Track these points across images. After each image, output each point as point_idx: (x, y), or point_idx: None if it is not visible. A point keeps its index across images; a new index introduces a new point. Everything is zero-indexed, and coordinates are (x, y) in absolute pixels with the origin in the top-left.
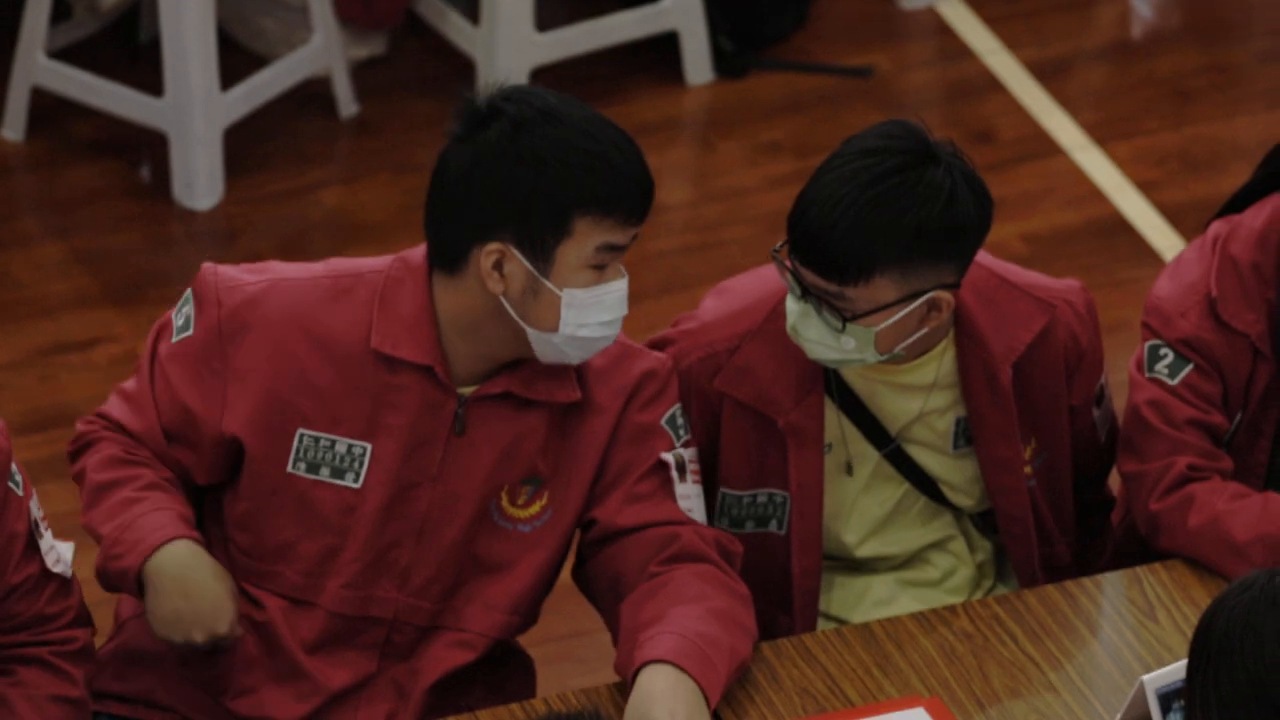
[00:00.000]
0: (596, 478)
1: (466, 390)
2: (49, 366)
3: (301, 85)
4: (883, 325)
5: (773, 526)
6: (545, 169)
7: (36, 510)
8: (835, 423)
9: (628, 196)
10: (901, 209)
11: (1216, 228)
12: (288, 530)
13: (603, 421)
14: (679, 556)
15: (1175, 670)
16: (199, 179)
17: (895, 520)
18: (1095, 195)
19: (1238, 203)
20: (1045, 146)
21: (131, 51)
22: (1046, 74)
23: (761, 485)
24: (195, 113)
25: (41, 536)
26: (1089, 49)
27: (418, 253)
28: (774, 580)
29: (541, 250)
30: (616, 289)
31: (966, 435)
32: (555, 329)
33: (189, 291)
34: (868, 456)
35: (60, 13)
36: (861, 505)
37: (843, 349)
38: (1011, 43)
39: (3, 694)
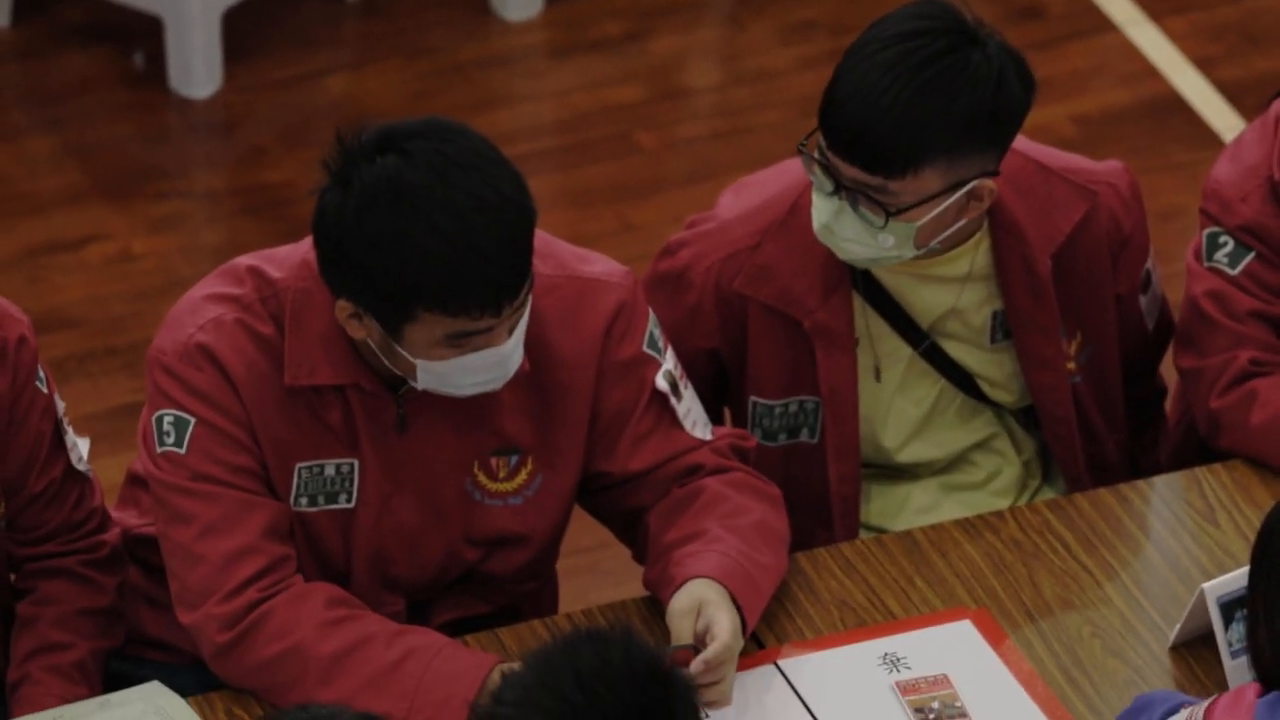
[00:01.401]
0: (591, 429)
1: (406, 386)
2: (39, 267)
3: None
4: (925, 219)
5: (804, 435)
6: (382, 256)
7: (60, 408)
8: (863, 321)
9: (473, 299)
10: (951, 95)
11: (1278, 106)
12: (306, 569)
13: (582, 374)
14: (705, 476)
15: (1237, 577)
16: (196, 66)
17: (933, 420)
18: (1149, 73)
19: None
20: (1096, 21)
21: None
22: None
23: (793, 393)
24: None
25: (66, 432)
26: None
27: None
28: (809, 491)
29: (390, 325)
30: (486, 358)
31: (1004, 329)
32: (415, 382)
33: (153, 388)
34: (899, 355)
35: None
36: (897, 406)
37: (880, 246)
38: None
39: (31, 614)
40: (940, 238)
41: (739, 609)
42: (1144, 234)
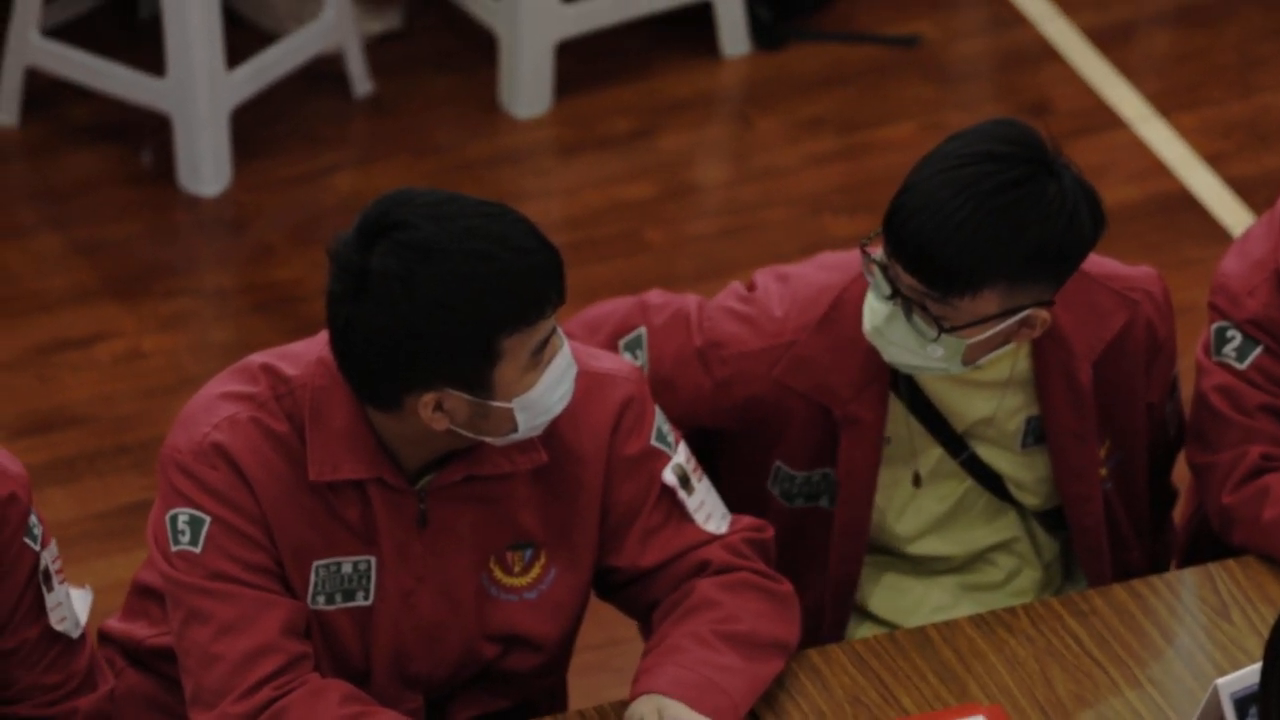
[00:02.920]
0: (602, 524)
1: (426, 479)
2: (48, 365)
3: (312, 63)
4: (976, 339)
5: (822, 502)
6: (451, 312)
7: (51, 560)
8: (903, 420)
9: (542, 294)
10: (1024, 224)
11: None
12: (324, 667)
13: (592, 468)
14: (709, 576)
15: (1251, 673)
16: (205, 164)
17: (957, 518)
18: (1159, 169)
19: None
20: (1105, 119)
21: (131, 29)
22: (1106, 41)
23: (817, 466)
24: (200, 93)
25: (52, 590)
26: (1151, 13)
27: None
28: (816, 553)
29: (479, 382)
30: (560, 363)
31: (1036, 434)
32: (515, 431)
33: (166, 487)
34: (930, 453)
35: None
36: (920, 501)
37: (928, 357)
38: (1068, 8)
39: None
40: (988, 358)
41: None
42: (1174, 341)
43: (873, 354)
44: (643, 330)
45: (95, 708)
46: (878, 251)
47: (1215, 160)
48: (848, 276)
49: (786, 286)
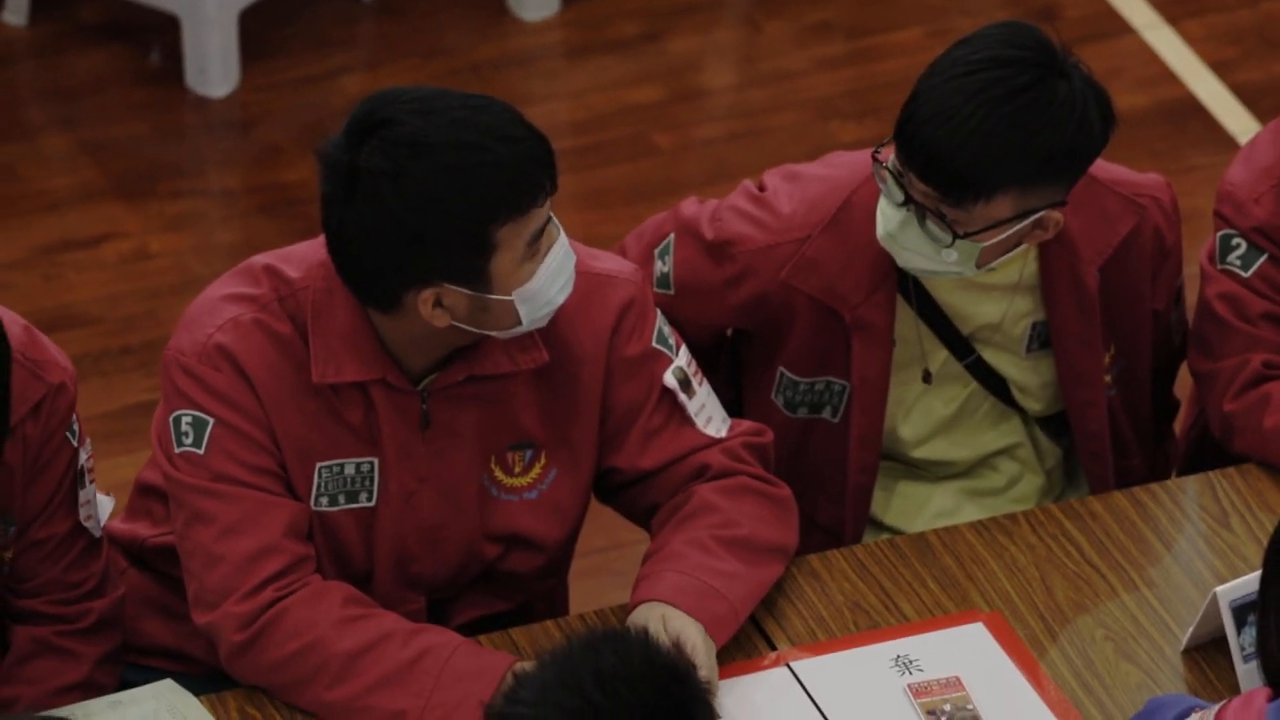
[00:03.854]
0: (602, 425)
1: (429, 380)
2: (55, 265)
3: None
4: (991, 242)
5: (826, 414)
6: (442, 205)
7: (85, 459)
8: (911, 323)
9: (532, 182)
10: (1034, 129)
11: None
12: (326, 569)
13: (591, 369)
14: (709, 480)
15: (1250, 581)
16: (213, 64)
17: (961, 422)
18: (1166, 76)
19: None
20: (1113, 24)
21: None
22: None
23: (822, 373)
24: None
25: (84, 487)
26: None
27: None
28: (822, 468)
29: (475, 275)
30: (558, 253)
31: (1041, 339)
32: (519, 324)
33: (170, 389)
34: (936, 356)
35: None
36: (925, 403)
37: (943, 261)
38: None
39: (9, 696)
40: (1000, 260)
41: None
42: (1180, 249)
43: (881, 257)
44: (671, 237)
45: (110, 611)
46: (889, 158)
47: (1222, 67)
48: (856, 178)
49: (795, 185)
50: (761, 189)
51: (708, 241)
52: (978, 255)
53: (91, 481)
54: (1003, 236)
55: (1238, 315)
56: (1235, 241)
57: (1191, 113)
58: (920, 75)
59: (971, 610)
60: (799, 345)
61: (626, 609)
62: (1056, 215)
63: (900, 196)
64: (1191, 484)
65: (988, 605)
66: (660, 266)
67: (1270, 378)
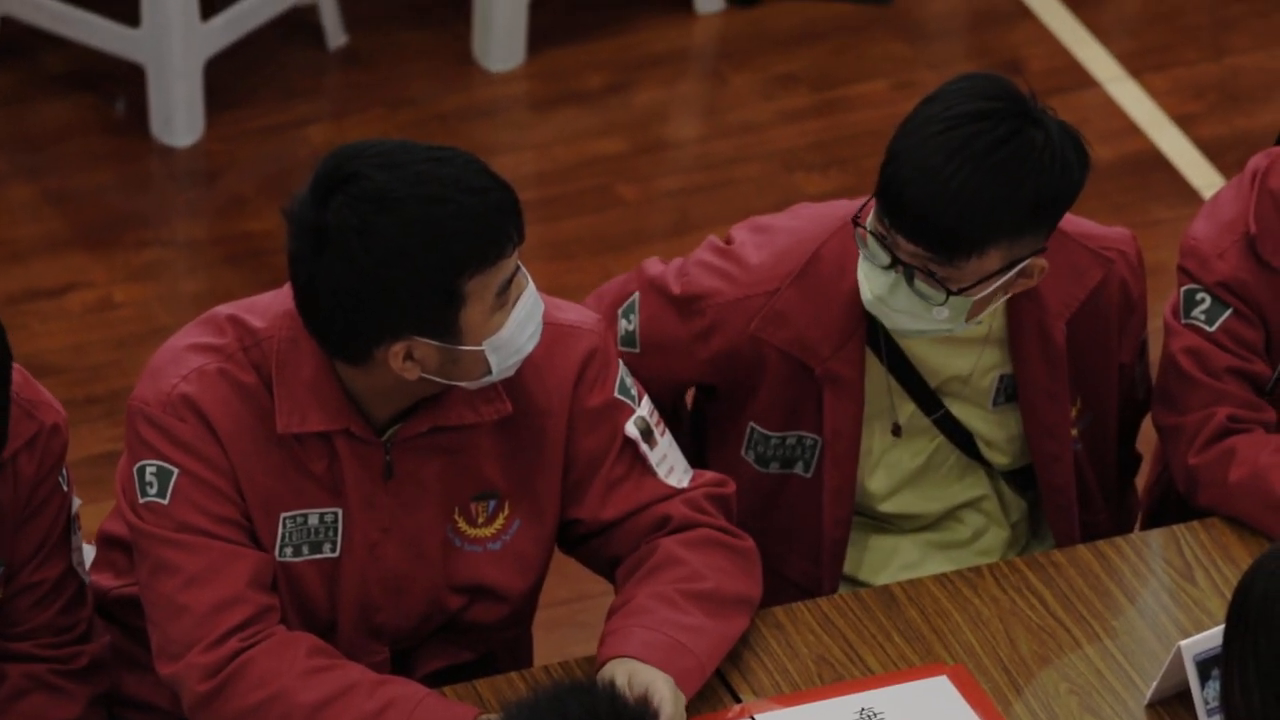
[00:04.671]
0: (566, 475)
1: (392, 430)
2: (19, 315)
3: (287, 14)
4: (982, 295)
5: (798, 469)
6: (411, 259)
7: (75, 507)
8: (879, 376)
9: (500, 232)
10: (1019, 180)
11: (1255, 161)
12: (290, 619)
13: (554, 419)
14: (671, 532)
15: (1214, 635)
16: (178, 114)
17: (927, 475)
18: (1130, 130)
19: None
20: (1077, 78)
21: None
22: (1078, 0)
23: (793, 428)
24: (174, 43)
25: (75, 533)
26: None
27: None
28: (795, 523)
29: (445, 328)
30: (526, 301)
31: (1008, 392)
32: (489, 374)
33: (134, 439)
34: (903, 409)
35: None
36: (893, 457)
37: (934, 320)
38: None
39: None
40: (986, 311)
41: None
42: (1145, 302)
43: (851, 310)
44: (636, 295)
45: (101, 654)
46: (869, 219)
47: (1186, 121)
48: (825, 230)
49: (763, 237)
50: (729, 242)
51: (675, 296)
52: (968, 310)
53: (79, 529)
54: (993, 289)
55: (1202, 369)
56: (1200, 296)
57: (1155, 166)
58: (894, 135)
59: (936, 663)
60: (769, 399)
61: (594, 665)
62: (1041, 262)
63: (886, 259)
64: (1156, 537)
65: (952, 658)
66: (625, 325)
67: (1235, 431)
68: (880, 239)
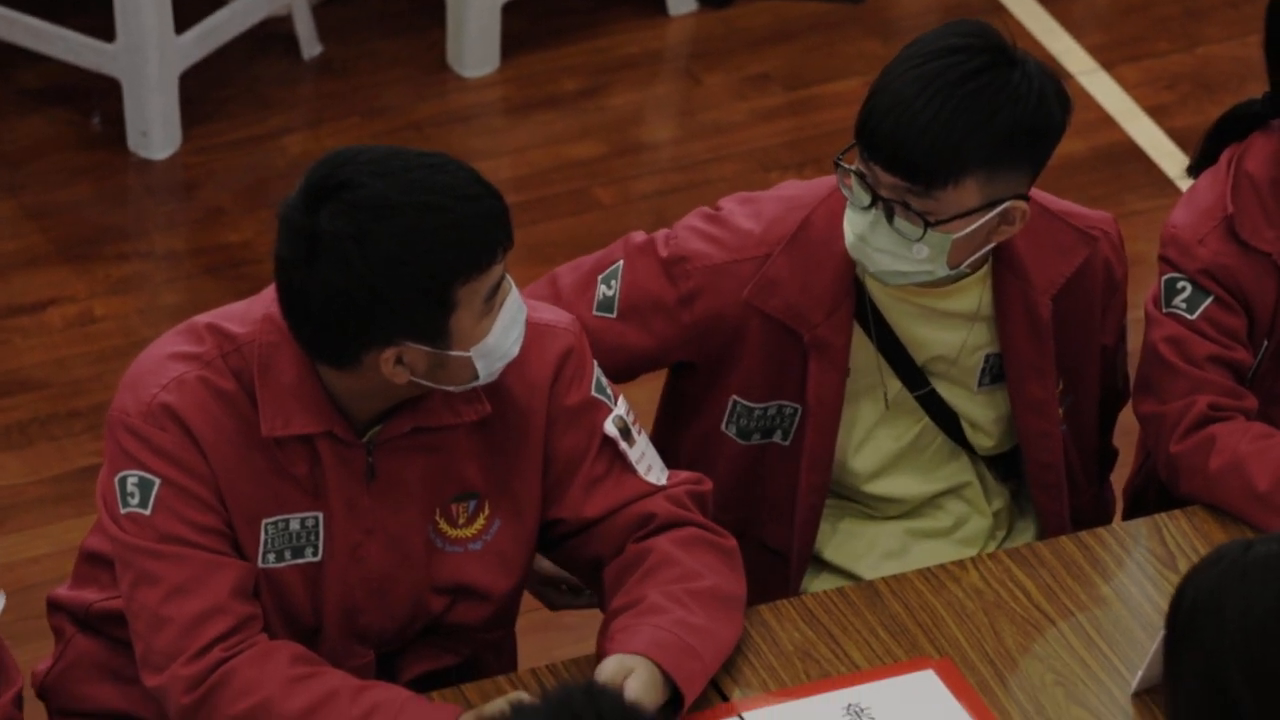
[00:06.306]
0: (545, 474)
1: (373, 431)
2: (0, 330)
3: (261, 25)
4: (961, 233)
5: (777, 437)
6: (405, 267)
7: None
8: (868, 351)
9: (492, 239)
10: (994, 108)
11: (1229, 151)
12: (274, 626)
13: (532, 419)
14: (657, 530)
15: None
16: (154, 127)
17: (912, 458)
18: (1104, 121)
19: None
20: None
21: None
22: None
23: (775, 398)
24: (149, 57)
25: None
26: None
27: None
28: (772, 492)
29: (436, 333)
30: (511, 306)
31: (993, 373)
32: (476, 378)
33: (115, 449)
34: (890, 387)
35: None
36: (879, 437)
37: (914, 258)
38: None
39: None
40: (969, 260)
41: (673, 681)
42: (1126, 286)
43: (841, 277)
44: (621, 261)
45: (9, 706)
46: (853, 162)
47: (1159, 112)
48: (815, 197)
49: (752, 206)
50: (717, 210)
51: (662, 259)
52: (949, 250)
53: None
54: (972, 228)
55: (1183, 358)
56: (1181, 284)
57: (1130, 158)
58: (876, 77)
59: (921, 657)
60: (750, 369)
61: (578, 661)
62: (1023, 206)
63: (867, 199)
64: (1139, 527)
65: (937, 652)
66: (604, 290)
67: (1216, 419)
68: (861, 177)
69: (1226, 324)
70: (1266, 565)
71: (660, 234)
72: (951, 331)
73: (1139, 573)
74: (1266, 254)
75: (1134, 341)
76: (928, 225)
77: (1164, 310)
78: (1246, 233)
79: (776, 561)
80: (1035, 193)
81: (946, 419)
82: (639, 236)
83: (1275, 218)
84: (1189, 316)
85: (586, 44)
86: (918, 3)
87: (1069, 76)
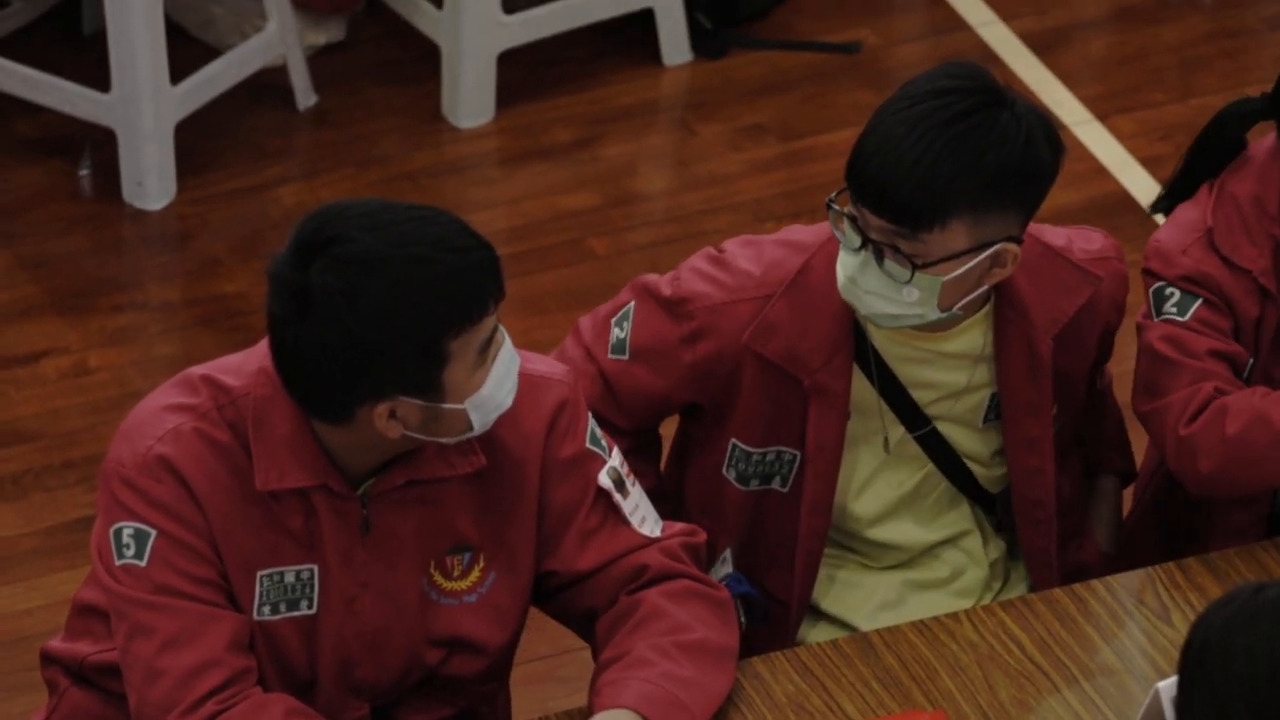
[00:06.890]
0: (539, 526)
1: (368, 484)
2: None
3: (256, 76)
4: (950, 276)
5: (775, 483)
6: (398, 321)
7: None
8: (869, 394)
9: (483, 291)
10: (981, 150)
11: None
12: (270, 678)
13: (526, 471)
14: (650, 582)
15: None
16: (149, 178)
17: (915, 504)
18: (1098, 172)
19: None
20: None
21: (75, 43)
22: (1044, 46)
23: (773, 443)
24: (144, 108)
25: None
26: (1088, 18)
27: None
28: (771, 537)
29: (429, 386)
30: (505, 357)
31: (997, 410)
32: (470, 430)
33: (110, 501)
34: (893, 432)
35: None
36: (881, 481)
37: (904, 300)
38: (1006, 13)
39: None
40: (962, 302)
41: None
42: (1125, 307)
43: (840, 321)
44: (632, 303)
45: None
46: (845, 208)
47: (1153, 163)
48: (815, 243)
49: (754, 249)
50: (721, 252)
51: (666, 298)
52: (939, 292)
53: None
54: (962, 270)
55: (1183, 353)
56: (1169, 291)
57: (1124, 209)
58: (868, 121)
59: (915, 710)
60: (748, 412)
61: (572, 714)
62: (1014, 249)
63: (857, 241)
64: (1132, 580)
65: (931, 705)
66: (617, 333)
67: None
68: (853, 220)
69: (1218, 323)
70: (1277, 608)
71: (667, 275)
72: (954, 373)
73: (1133, 625)
74: (1248, 271)
75: (1124, 393)
76: (915, 268)
77: (1156, 319)
78: (1227, 249)
79: (774, 606)
80: (1035, 227)
81: (950, 463)
82: (648, 278)
83: (1257, 235)
84: (1182, 319)
85: (581, 94)
86: (913, 54)
87: (1064, 127)
